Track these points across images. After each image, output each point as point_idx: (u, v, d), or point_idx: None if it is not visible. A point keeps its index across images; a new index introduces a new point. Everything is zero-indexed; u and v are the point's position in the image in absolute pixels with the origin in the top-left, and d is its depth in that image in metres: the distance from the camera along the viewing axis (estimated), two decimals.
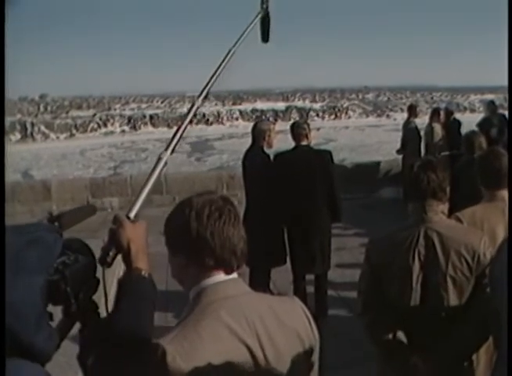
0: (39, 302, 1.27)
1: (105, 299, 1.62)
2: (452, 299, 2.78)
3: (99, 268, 1.63)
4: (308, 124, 6.11)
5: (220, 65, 2.40)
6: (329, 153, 6.03)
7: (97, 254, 1.63)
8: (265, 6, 3.16)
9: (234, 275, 1.79)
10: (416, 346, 2.79)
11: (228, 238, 1.72)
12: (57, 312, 1.42)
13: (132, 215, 1.75)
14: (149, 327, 1.60)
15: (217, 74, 2.36)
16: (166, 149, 1.96)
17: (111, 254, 1.64)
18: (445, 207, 2.90)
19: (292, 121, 6.59)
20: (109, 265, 1.65)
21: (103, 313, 1.57)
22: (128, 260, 1.66)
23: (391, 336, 2.85)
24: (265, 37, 3.26)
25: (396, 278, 2.86)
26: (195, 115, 2.21)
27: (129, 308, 1.56)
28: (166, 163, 1.91)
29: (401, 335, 2.83)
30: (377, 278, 2.94)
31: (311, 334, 1.87)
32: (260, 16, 3.10)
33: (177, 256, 1.76)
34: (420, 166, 2.90)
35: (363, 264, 3.06)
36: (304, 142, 5.87)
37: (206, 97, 2.28)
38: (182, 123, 2.12)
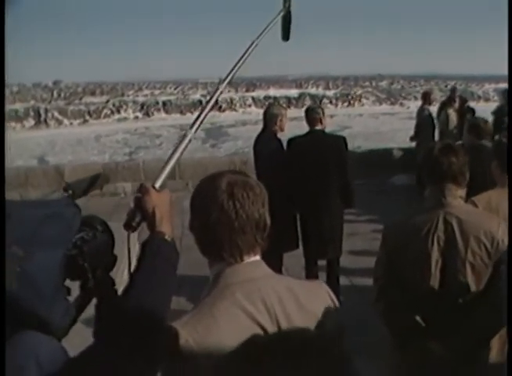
0: (57, 276, 1.27)
1: (128, 264, 1.63)
2: (471, 285, 2.75)
3: (123, 235, 1.65)
4: (323, 109, 6.07)
5: (243, 56, 2.44)
6: (342, 139, 5.98)
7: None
8: (287, 5, 3.19)
9: (256, 257, 1.79)
10: (433, 332, 2.77)
11: (255, 219, 1.73)
12: (74, 288, 1.43)
13: (157, 185, 1.77)
14: (169, 294, 1.59)
15: (239, 64, 2.40)
16: (191, 127, 2.01)
17: (136, 219, 1.67)
18: (463, 191, 2.86)
19: (306, 106, 6.56)
20: (134, 230, 1.67)
21: (121, 288, 1.58)
22: (152, 225, 1.67)
23: (407, 321, 2.84)
24: (286, 36, 3.30)
25: (414, 263, 2.84)
26: (208, 102, 2.26)
27: (151, 267, 1.56)
28: (190, 140, 1.96)
29: (418, 320, 2.81)
30: (394, 263, 2.91)
31: (336, 320, 1.85)
32: (282, 14, 3.13)
33: (200, 230, 1.77)
34: (441, 149, 2.86)
35: (379, 249, 3.03)
36: (318, 127, 5.84)
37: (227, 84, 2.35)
38: (206, 104, 2.18)
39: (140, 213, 1.68)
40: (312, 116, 5.86)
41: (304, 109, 6.24)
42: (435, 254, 2.79)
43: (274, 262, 5.79)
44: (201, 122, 2.06)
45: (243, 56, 2.44)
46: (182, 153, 1.92)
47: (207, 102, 2.20)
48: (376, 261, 3.04)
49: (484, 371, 2.82)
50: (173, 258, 1.65)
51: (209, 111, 2.13)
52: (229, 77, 2.32)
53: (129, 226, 1.67)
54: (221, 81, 2.31)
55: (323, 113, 5.95)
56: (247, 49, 2.49)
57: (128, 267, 1.61)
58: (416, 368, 2.85)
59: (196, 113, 2.12)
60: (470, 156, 2.91)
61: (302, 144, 5.85)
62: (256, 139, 6.12)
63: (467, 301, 2.76)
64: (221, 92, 2.26)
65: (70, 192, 1.54)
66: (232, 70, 2.36)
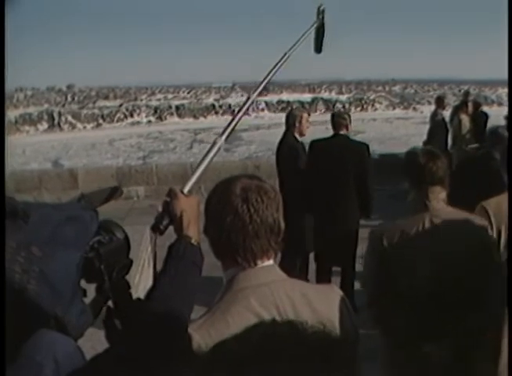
0: (74, 278, 1.29)
1: (153, 266, 1.64)
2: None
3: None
4: (349, 115, 6.07)
5: (275, 67, 2.47)
6: (366, 146, 5.93)
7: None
8: (320, 17, 3.21)
9: (270, 261, 1.78)
10: (428, 335, 2.77)
11: (269, 224, 1.72)
12: (90, 291, 1.43)
13: (186, 190, 1.79)
14: (192, 297, 1.60)
15: (271, 74, 2.43)
16: (221, 135, 2.02)
17: (164, 223, 1.70)
18: (445, 194, 2.95)
19: (333, 111, 6.61)
20: (162, 233, 1.70)
21: (135, 293, 1.58)
22: (179, 229, 1.68)
23: (401, 325, 2.84)
24: (318, 48, 3.32)
25: (405, 266, 2.86)
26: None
27: (176, 270, 1.57)
28: (220, 148, 1.98)
29: (412, 324, 2.80)
30: (384, 268, 2.93)
31: (350, 326, 1.83)
32: (315, 26, 3.16)
33: (214, 234, 1.77)
34: (426, 154, 2.96)
35: (366, 254, 3.08)
36: (343, 132, 5.84)
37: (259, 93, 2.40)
38: (237, 113, 2.22)
39: (168, 217, 1.70)
40: (338, 121, 5.86)
41: (330, 114, 6.30)
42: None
43: (300, 265, 5.79)
44: (232, 130, 2.07)
45: (274, 67, 2.46)
46: (211, 160, 1.94)
47: (238, 111, 2.23)
48: (364, 265, 3.10)
49: (479, 372, 2.81)
50: (198, 261, 1.66)
51: (239, 119, 2.16)
52: (261, 87, 2.36)
53: (157, 229, 1.69)
54: (253, 91, 2.35)
55: (350, 119, 5.94)
56: (279, 60, 2.50)
57: (152, 270, 1.63)
58: (414, 372, 2.85)
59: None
60: (485, 161, 2.96)
61: (325, 147, 5.86)
62: (279, 142, 6.20)
63: (461, 302, 2.75)
64: (252, 102, 2.31)
65: (83, 203, 1.55)
66: (264, 80, 2.38)
